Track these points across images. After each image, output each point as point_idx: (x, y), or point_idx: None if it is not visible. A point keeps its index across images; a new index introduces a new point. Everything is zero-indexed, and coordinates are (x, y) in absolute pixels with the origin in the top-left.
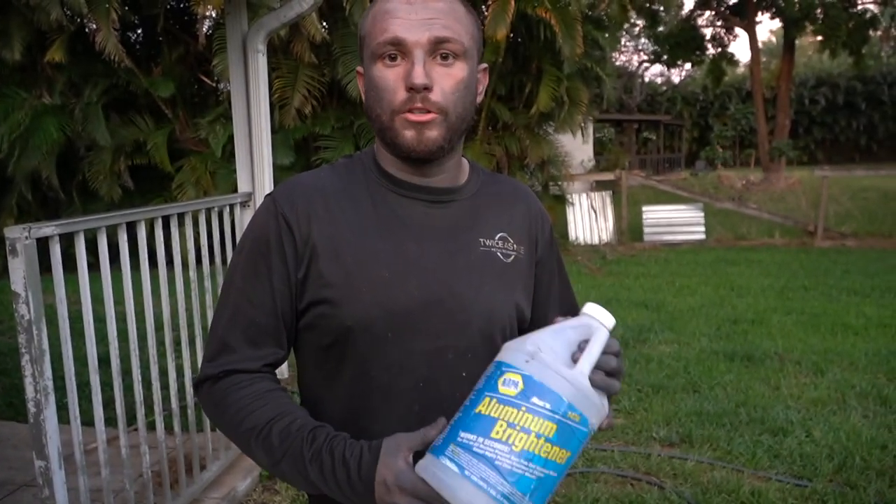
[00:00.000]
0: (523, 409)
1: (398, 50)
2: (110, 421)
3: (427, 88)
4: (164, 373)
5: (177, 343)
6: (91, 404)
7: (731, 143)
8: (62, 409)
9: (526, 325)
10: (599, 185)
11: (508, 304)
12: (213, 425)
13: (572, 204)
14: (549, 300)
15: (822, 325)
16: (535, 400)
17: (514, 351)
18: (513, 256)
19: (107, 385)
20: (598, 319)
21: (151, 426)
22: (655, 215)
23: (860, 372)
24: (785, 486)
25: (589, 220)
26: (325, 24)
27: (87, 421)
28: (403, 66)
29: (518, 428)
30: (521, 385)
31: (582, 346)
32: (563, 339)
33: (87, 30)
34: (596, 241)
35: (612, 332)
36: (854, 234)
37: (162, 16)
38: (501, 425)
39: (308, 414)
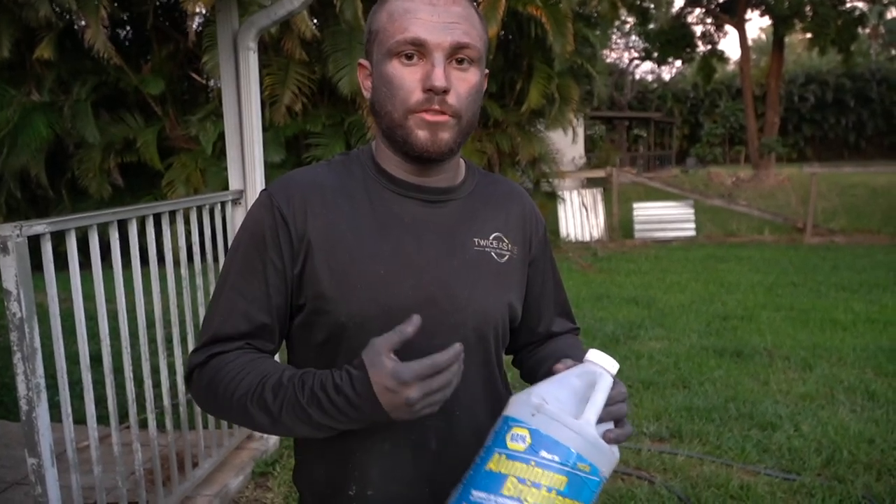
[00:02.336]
0: (532, 463)
1: (417, 50)
2: (102, 419)
3: (446, 91)
4: (155, 370)
5: (168, 341)
6: (82, 402)
7: (721, 140)
8: (54, 407)
9: (517, 325)
10: (590, 183)
11: (502, 303)
12: (209, 411)
13: (563, 201)
14: (542, 300)
15: (810, 320)
16: (543, 454)
17: (520, 404)
18: (507, 256)
19: (98, 383)
20: (601, 366)
21: (143, 424)
22: (646, 212)
23: (848, 367)
24: (773, 480)
25: (580, 217)
26: (315, 21)
27: (79, 419)
28: (421, 67)
29: (529, 483)
30: (528, 439)
31: (587, 394)
32: (567, 388)
33: (76, 27)
34: (587, 238)
35: (617, 374)
36: (843, 230)
37: (151, 13)
38: (512, 481)
39: (296, 369)
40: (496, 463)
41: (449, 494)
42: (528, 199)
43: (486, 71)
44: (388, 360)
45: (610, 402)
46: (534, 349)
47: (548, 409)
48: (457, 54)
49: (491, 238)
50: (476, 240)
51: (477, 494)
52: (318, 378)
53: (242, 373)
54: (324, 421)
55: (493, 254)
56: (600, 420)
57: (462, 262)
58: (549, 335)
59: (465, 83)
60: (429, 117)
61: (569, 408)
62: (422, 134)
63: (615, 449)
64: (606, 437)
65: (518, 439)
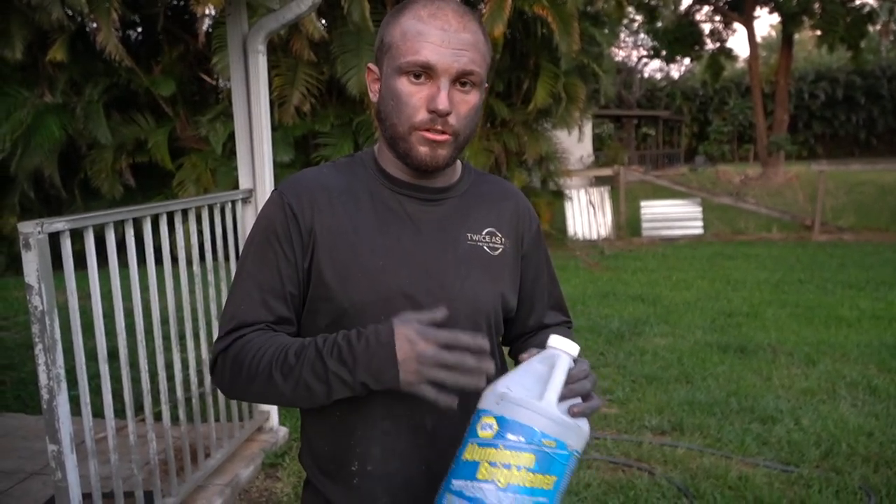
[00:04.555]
0: (501, 447)
1: (425, 72)
2: (118, 411)
3: (448, 114)
4: (169, 365)
5: (181, 336)
6: (99, 396)
7: (729, 137)
8: (72, 401)
9: (512, 316)
10: (598, 181)
11: (493, 294)
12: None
13: (571, 199)
14: (535, 294)
15: (815, 317)
16: (509, 436)
17: (488, 395)
18: (500, 250)
19: (114, 378)
20: (560, 349)
21: (158, 416)
22: (653, 210)
23: (851, 363)
24: (772, 472)
25: (587, 215)
26: (324, 22)
27: (97, 412)
28: (428, 88)
29: (499, 465)
30: (495, 426)
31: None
32: (532, 374)
33: (87, 29)
34: (594, 236)
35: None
36: (851, 228)
37: (162, 15)
38: (484, 466)
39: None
40: (470, 452)
41: (442, 470)
42: (522, 196)
43: (486, 85)
44: (416, 321)
45: (571, 380)
46: (526, 340)
47: (511, 395)
48: (461, 79)
49: (484, 233)
50: (469, 235)
51: (456, 483)
52: (343, 332)
53: (267, 344)
54: (338, 371)
55: (485, 248)
56: (564, 398)
57: (455, 255)
58: (542, 327)
59: (466, 105)
60: (430, 136)
61: (534, 392)
62: (423, 150)
63: (582, 423)
64: (572, 412)
65: (487, 427)
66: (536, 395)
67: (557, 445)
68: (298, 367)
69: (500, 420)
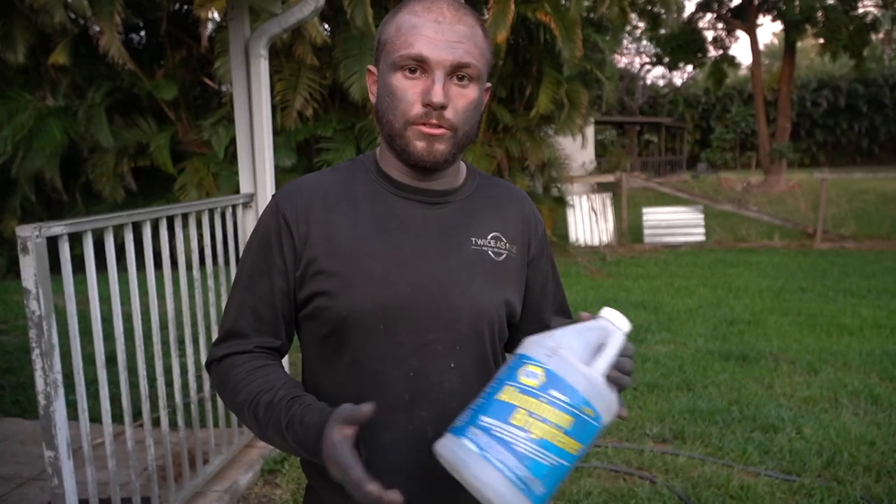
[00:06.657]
0: (543, 399)
1: (420, 65)
2: (116, 417)
3: (443, 107)
4: (168, 370)
5: (180, 341)
6: (97, 401)
7: (731, 145)
8: (69, 406)
9: (516, 321)
10: (600, 187)
11: (497, 300)
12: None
13: (573, 206)
14: (542, 298)
15: (817, 325)
16: (554, 392)
17: (537, 345)
18: (505, 255)
19: (112, 382)
20: (614, 323)
21: (156, 422)
22: (655, 217)
23: (853, 371)
24: (773, 481)
25: (589, 221)
26: (326, 26)
27: (94, 417)
28: (423, 82)
29: (537, 417)
30: (542, 377)
31: (600, 348)
32: (582, 339)
33: (90, 32)
34: (596, 242)
35: (627, 335)
36: (853, 236)
37: (165, 19)
38: (521, 413)
39: (295, 384)
40: (508, 395)
41: (442, 481)
42: (528, 200)
43: (488, 85)
44: (336, 432)
45: (619, 355)
46: None
47: (563, 353)
48: (457, 72)
49: (489, 238)
50: (473, 239)
51: (486, 420)
52: (302, 408)
53: (246, 380)
54: (297, 446)
55: (490, 252)
56: (608, 374)
57: (458, 260)
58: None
59: (464, 99)
60: (426, 130)
61: (581, 356)
62: (419, 145)
63: (616, 398)
64: (608, 377)
65: (531, 376)
66: (585, 360)
67: (594, 416)
68: (265, 422)
69: (549, 373)
